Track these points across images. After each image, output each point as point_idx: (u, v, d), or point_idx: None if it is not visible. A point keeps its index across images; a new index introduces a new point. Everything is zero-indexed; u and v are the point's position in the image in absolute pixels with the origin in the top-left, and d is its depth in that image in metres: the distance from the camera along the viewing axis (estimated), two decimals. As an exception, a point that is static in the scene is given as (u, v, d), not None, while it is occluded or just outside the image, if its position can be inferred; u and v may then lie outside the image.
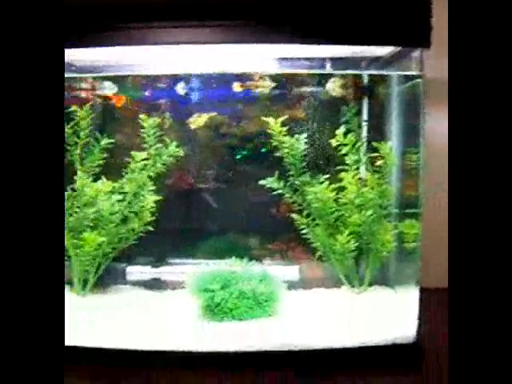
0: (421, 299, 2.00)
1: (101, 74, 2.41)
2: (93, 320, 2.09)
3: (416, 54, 2.01)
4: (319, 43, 1.93)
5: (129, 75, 2.44)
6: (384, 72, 2.34)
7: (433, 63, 1.98)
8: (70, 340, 1.86)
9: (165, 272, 2.50)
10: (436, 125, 2.22)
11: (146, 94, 2.49)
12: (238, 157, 2.51)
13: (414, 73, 2.07)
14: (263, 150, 2.45)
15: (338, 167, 2.37)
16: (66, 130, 2.30)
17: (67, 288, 2.40)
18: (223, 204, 2.54)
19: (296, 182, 2.38)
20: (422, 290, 2.02)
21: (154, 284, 2.48)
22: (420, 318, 1.97)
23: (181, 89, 2.46)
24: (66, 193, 2.28)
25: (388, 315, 2.12)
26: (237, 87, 2.46)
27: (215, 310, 2.10)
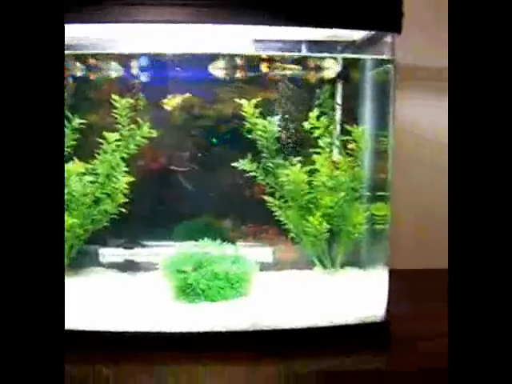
0: (390, 280, 2.04)
1: (73, 52, 2.37)
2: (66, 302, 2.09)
3: (387, 38, 2.04)
4: (291, 25, 1.94)
5: (102, 53, 2.41)
6: (356, 56, 2.35)
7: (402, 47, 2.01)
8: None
9: (138, 254, 2.50)
10: (405, 109, 2.25)
11: (119, 74, 2.46)
12: (212, 139, 2.51)
13: (384, 57, 2.09)
14: (237, 132, 2.44)
15: (311, 150, 2.38)
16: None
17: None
18: (196, 186, 2.54)
19: (269, 164, 2.39)
20: (391, 272, 2.05)
21: (127, 266, 2.48)
22: (389, 299, 2.00)
23: (155, 69, 2.44)
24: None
25: (359, 295, 2.15)
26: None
27: (188, 291, 2.11)
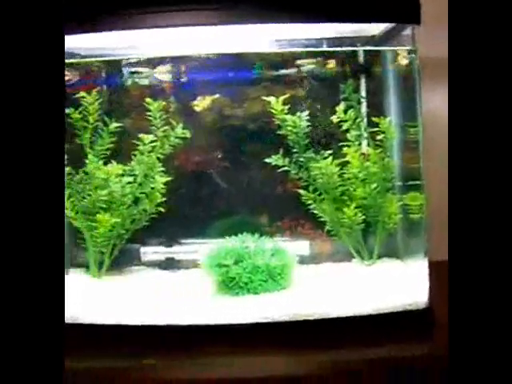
0: (430, 270, 2.07)
1: (106, 59, 2.43)
2: (110, 300, 2.15)
3: (407, 30, 2.08)
4: (312, 21, 2.00)
5: (134, 59, 2.47)
6: (377, 48, 2.41)
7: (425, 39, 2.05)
8: (88, 319, 1.96)
9: (178, 251, 2.55)
10: (432, 98, 2.28)
11: (151, 78, 2.52)
12: (243, 137, 2.55)
13: (406, 48, 2.13)
14: (267, 129, 2.49)
15: (341, 143, 2.42)
16: (75, 114, 2.35)
17: (83, 271, 2.46)
18: (232, 183, 2.59)
19: (300, 159, 2.43)
20: (430, 263, 2.09)
21: (168, 264, 2.53)
22: (430, 288, 2.04)
23: (184, 72, 2.49)
24: (78, 176, 2.35)
25: (398, 285, 2.18)
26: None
27: (230, 285, 2.16)
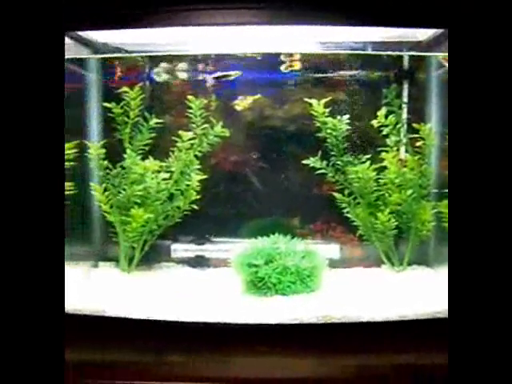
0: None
1: (150, 54, 2.47)
2: (138, 295, 2.16)
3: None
4: (358, 25, 1.98)
5: (176, 55, 2.49)
6: (422, 54, 2.38)
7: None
8: (116, 312, 1.96)
9: (209, 250, 2.56)
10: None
11: (194, 76, 2.54)
12: (281, 138, 2.55)
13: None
14: (306, 131, 2.49)
15: (379, 148, 2.41)
16: (117, 109, 2.38)
17: (113, 265, 2.50)
18: (266, 184, 2.59)
19: (338, 162, 2.42)
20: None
21: (198, 261, 2.54)
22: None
23: (226, 71, 2.50)
24: (115, 170, 2.38)
25: (427, 292, 2.15)
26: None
27: (259, 285, 2.16)
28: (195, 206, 2.44)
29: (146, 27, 1.97)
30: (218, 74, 2.45)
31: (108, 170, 2.39)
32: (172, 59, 2.52)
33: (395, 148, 2.41)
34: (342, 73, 2.51)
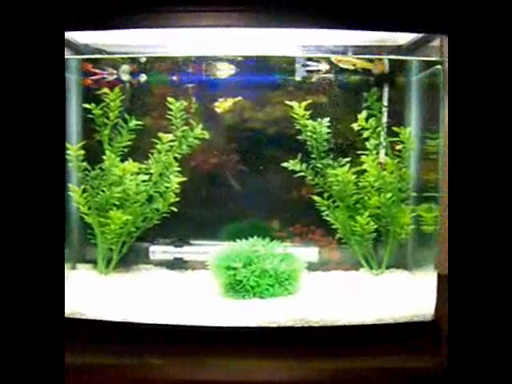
0: (438, 283, 2.03)
1: (130, 56, 2.46)
2: (116, 297, 2.15)
3: (436, 41, 2.05)
4: (341, 28, 1.98)
5: (157, 57, 2.48)
6: (405, 57, 2.38)
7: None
8: (93, 315, 1.96)
9: (187, 252, 2.54)
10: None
11: (174, 78, 2.53)
12: (261, 140, 2.55)
13: (434, 59, 2.10)
14: (286, 133, 2.49)
15: (359, 151, 2.41)
16: (96, 110, 2.36)
17: (91, 266, 2.49)
18: (245, 186, 2.59)
19: (318, 165, 2.43)
20: (439, 276, 2.05)
21: (177, 264, 2.53)
22: (438, 299, 2.00)
23: (206, 73, 2.49)
24: (94, 172, 2.36)
25: (405, 296, 2.16)
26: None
27: (237, 288, 2.16)
28: (174, 208, 2.43)
29: (126, 28, 1.96)
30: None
31: (87, 172, 2.37)
32: (153, 61, 2.50)
33: (375, 151, 2.41)
34: (323, 75, 2.50)
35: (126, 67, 2.50)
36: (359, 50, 2.32)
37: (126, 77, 2.51)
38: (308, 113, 2.40)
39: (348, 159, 2.41)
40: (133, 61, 2.51)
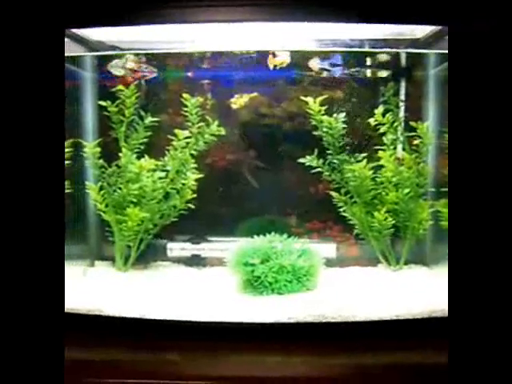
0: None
1: (144, 52, 2.45)
2: (134, 294, 2.15)
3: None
4: (357, 22, 1.97)
5: (172, 53, 2.48)
6: (420, 51, 2.36)
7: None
8: (111, 311, 1.96)
9: (205, 249, 2.55)
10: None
11: (189, 74, 2.53)
12: (278, 136, 2.54)
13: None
14: (302, 129, 2.48)
15: (376, 146, 2.40)
16: (112, 108, 2.37)
17: (109, 264, 2.50)
18: (262, 182, 2.59)
19: (334, 161, 2.41)
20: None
21: (194, 260, 2.54)
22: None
23: (222, 69, 2.49)
24: (110, 169, 2.37)
25: (424, 292, 2.14)
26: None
27: (255, 284, 2.15)
28: (191, 205, 2.43)
29: (142, 24, 1.96)
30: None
31: (103, 169, 2.38)
32: (167, 57, 2.50)
33: (392, 146, 2.40)
34: (339, 70, 2.49)
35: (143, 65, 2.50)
36: (376, 43, 2.30)
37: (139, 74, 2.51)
38: (323, 108, 2.38)
39: (365, 154, 2.39)
40: (147, 57, 2.51)
